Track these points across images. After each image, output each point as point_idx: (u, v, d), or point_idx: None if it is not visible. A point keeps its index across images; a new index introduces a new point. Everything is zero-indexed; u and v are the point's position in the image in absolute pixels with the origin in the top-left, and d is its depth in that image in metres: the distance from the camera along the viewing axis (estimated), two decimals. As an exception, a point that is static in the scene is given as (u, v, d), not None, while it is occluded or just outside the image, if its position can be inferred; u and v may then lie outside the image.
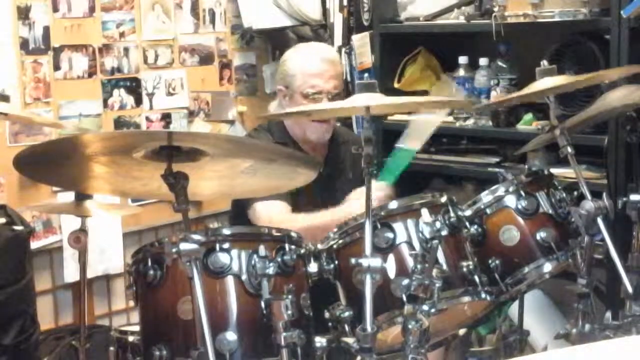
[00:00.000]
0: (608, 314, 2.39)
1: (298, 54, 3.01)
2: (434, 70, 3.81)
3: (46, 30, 3.64)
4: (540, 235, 2.45)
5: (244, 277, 2.12)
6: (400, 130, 3.70)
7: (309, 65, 2.90)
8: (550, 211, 2.50)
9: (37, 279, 3.48)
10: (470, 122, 3.52)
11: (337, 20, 4.08)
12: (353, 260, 2.00)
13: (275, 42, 4.34)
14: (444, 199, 2.38)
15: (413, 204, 2.31)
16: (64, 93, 3.71)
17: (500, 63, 3.52)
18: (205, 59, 4.15)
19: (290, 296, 2.04)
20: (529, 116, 3.37)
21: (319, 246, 2.32)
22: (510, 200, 2.49)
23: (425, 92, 3.78)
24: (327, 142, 3.01)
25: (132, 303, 2.30)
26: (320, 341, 2.20)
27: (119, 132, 3.44)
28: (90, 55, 3.77)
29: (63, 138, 2.16)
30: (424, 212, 2.22)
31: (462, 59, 3.60)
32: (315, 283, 2.28)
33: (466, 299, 2.31)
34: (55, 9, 3.66)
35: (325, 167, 2.97)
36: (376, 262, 1.97)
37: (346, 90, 3.64)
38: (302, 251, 2.25)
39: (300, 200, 2.83)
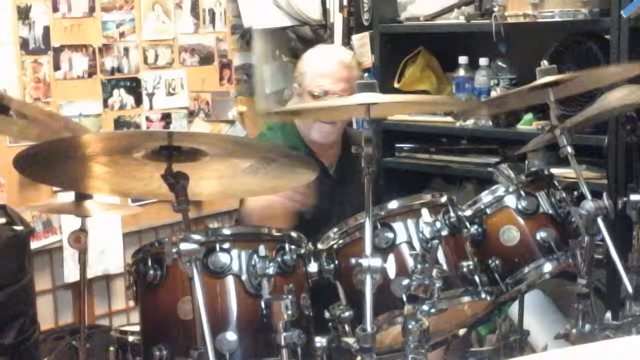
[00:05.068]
0: (608, 314, 2.39)
1: (314, 53, 3.00)
2: (434, 70, 3.81)
3: (46, 30, 3.64)
4: (540, 235, 2.45)
5: (244, 277, 2.12)
6: (400, 131, 3.72)
7: (321, 65, 2.89)
8: (550, 211, 2.50)
9: (37, 279, 3.48)
10: (470, 122, 3.52)
11: (337, 20, 4.08)
12: (353, 260, 2.00)
13: (275, 42, 4.34)
14: (444, 199, 2.38)
15: (413, 204, 2.31)
16: (64, 93, 3.71)
17: (500, 63, 3.52)
18: (205, 59, 4.15)
19: (290, 296, 2.04)
20: (529, 116, 3.37)
21: (319, 246, 2.32)
22: (510, 200, 2.49)
23: (425, 92, 3.79)
24: (339, 144, 2.98)
25: (132, 303, 2.30)
26: (320, 341, 2.19)
27: (119, 132, 3.44)
28: (90, 55, 3.77)
29: (63, 138, 2.15)
30: (424, 212, 2.22)
31: (462, 59, 3.60)
32: (315, 283, 2.28)
33: (466, 299, 2.31)
34: (55, 9, 3.66)
35: (336, 169, 2.96)
36: (376, 262, 1.97)
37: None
38: (302, 251, 2.25)
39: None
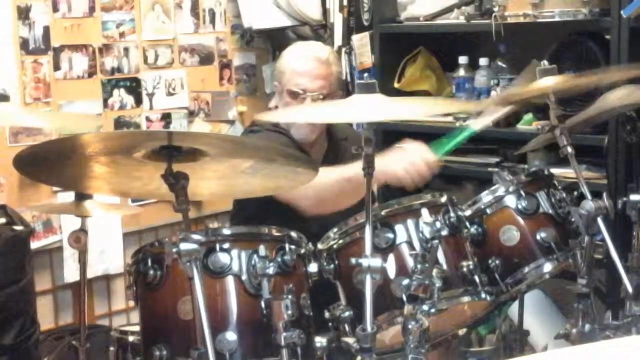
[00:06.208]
0: (608, 314, 2.39)
1: (291, 51, 2.99)
2: (434, 70, 3.81)
3: (46, 30, 3.64)
4: (540, 235, 2.44)
5: (244, 277, 2.12)
6: (400, 131, 3.72)
7: (298, 63, 2.86)
8: (550, 211, 2.49)
9: (37, 279, 3.48)
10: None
11: (337, 20, 4.08)
12: (353, 260, 2.00)
13: (275, 42, 4.34)
14: (444, 199, 2.38)
15: (413, 204, 2.31)
16: (64, 93, 3.71)
17: (500, 63, 3.52)
18: (205, 59, 4.16)
19: (290, 296, 2.04)
20: (529, 116, 3.37)
21: (319, 246, 2.32)
22: (510, 200, 2.49)
23: (425, 92, 3.79)
24: (323, 139, 2.98)
25: (132, 303, 2.29)
26: (320, 341, 2.19)
27: (119, 132, 3.44)
28: (90, 55, 3.78)
29: (63, 138, 2.15)
30: (424, 212, 2.22)
31: (462, 59, 3.60)
32: (315, 283, 2.28)
33: (466, 299, 2.30)
34: (55, 9, 3.66)
35: (323, 164, 2.95)
36: (376, 262, 1.96)
37: (346, 90, 3.64)
38: (302, 251, 2.25)
39: None
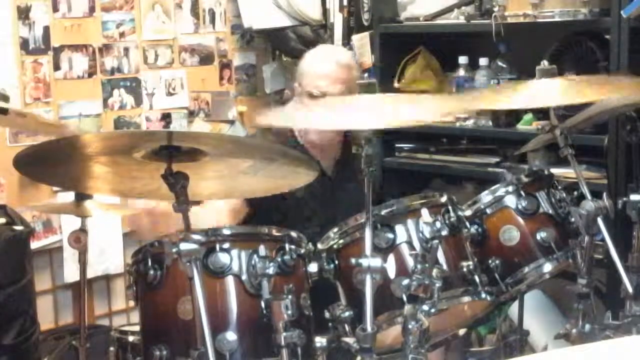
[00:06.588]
0: (608, 314, 2.39)
1: (313, 53, 3.00)
2: (434, 70, 3.81)
3: (46, 30, 3.64)
4: (540, 235, 2.45)
5: (244, 277, 2.12)
6: (401, 131, 3.72)
7: (319, 65, 2.88)
8: (550, 211, 2.50)
9: (37, 279, 3.48)
10: (470, 122, 3.52)
11: (337, 20, 4.08)
12: (353, 260, 2.00)
13: (275, 42, 4.34)
14: (444, 199, 2.38)
15: (413, 204, 2.31)
16: (64, 93, 3.71)
17: (500, 63, 3.51)
18: (205, 59, 4.16)
19: (290, 296, 2.04)
20: (529, 116, 3.37)
21: (319, 246, 2.32)
22: (510, 200, 2.49)
23: (425, 92, 3.78)
24: (339, 145, 2.97)
25: (132, 303, 2.30)
26: (320, 341, 2.19)
27: (119, 132, 3.44)
28: (90, 55, 3.78)
29: (63, 138, 2.15)
30: (424, 212, 2.22)
31: (462, 59, 3.60)
32: (315, 283, 2.28)
33: (466, 299, 2.31)
34: (55, 9, 3.67)
35: (335, 170, 2.95)
36: (376, 262, 1.96)
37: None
38: (302, 251, 2.25)
39: (306, 203, 2.83)
